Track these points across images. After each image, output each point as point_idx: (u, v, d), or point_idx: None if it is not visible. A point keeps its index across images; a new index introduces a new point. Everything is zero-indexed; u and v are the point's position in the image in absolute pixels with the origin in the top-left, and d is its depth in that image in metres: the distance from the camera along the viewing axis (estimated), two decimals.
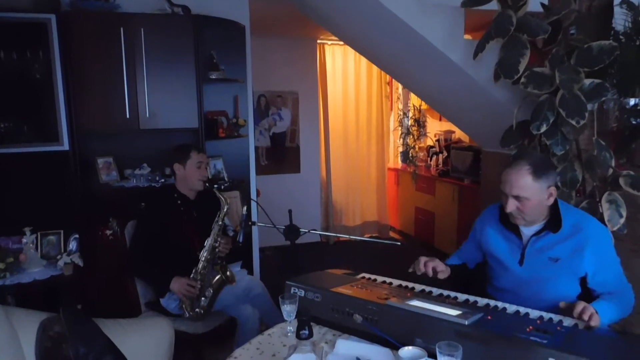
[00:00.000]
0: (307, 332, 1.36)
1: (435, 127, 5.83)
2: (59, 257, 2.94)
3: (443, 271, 1.91)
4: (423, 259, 1.92)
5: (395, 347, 1.40)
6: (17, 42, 2.88)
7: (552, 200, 1.78)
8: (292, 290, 1.76)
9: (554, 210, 1.81)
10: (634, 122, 2.26)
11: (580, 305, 1.56)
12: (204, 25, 3.29)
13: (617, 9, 2.27)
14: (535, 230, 1.84)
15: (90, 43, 3.01)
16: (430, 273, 1.89)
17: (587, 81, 2.12)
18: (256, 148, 4.72)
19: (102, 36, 3.03)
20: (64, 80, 2.98)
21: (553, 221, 1.80)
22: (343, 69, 5.86)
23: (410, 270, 1.94)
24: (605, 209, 2.11)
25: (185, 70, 3.19)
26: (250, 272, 3.53)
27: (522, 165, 1.74)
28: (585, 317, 1.52)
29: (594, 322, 1.50)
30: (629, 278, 1.85)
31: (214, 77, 3.42)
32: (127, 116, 3.10)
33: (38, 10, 2.89)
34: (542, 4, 2.41)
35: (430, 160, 5.66)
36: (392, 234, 6.26)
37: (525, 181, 1.72)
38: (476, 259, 2.08)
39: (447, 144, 5.42)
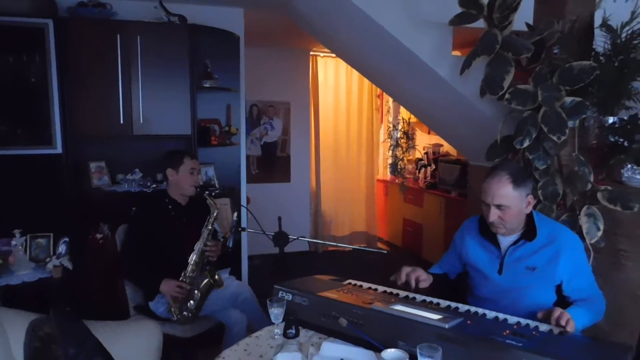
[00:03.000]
0: (294, 331, 1.41)
1: (424, 140, 5.93)
2: (48, 260, 2.95)
3: (425, 280, 1.94)
4: (405, 270, 1.95)
5: (378, 350, 1.45)
6: (13, 46, 2.92)
7: (530, 208, 1.86)
8: (280, 294, 1.80)
9: (529, 220, 1.89)
10: (612, 140, 2.34)
11: (557, 311, 1.62)
12: (199, 34, 3.35)
13: (597, 31, 2.37)
14: (512, 240, 1.91)
15: (87, 49, 3.06)
16: (413, 284, 1.91)
17: (568, 99, 2.21)
18: (247, 157, 4.74)
19: (98, 42, 3.08)
20: (59, 84, 3.01)
21: (529, 231, 1.88)
22: (335, 81, 5.95)
23: (392, 278, 1.97)
24: (584, 222, 2.18)
25: (179, 78, 3.24)
26: (239, 279, 3.55)
27: (502, 175, 1.80)
28: (562, 323, 1.58)
29: (570, 328, 1.57)
30: (607, 290, 1.92)
31: (207, 85, 3.47)
32: (121, 122, 3.14)
33: (36, 15, 2.94)
34: (527, 24, 2.51)
35: (419, 172, 5.74)
36: (380, 244, 6.28)
37: (507, 190, 1.79)
38: (456, 269, 2.15)
39: (435, 157, 5.50)
